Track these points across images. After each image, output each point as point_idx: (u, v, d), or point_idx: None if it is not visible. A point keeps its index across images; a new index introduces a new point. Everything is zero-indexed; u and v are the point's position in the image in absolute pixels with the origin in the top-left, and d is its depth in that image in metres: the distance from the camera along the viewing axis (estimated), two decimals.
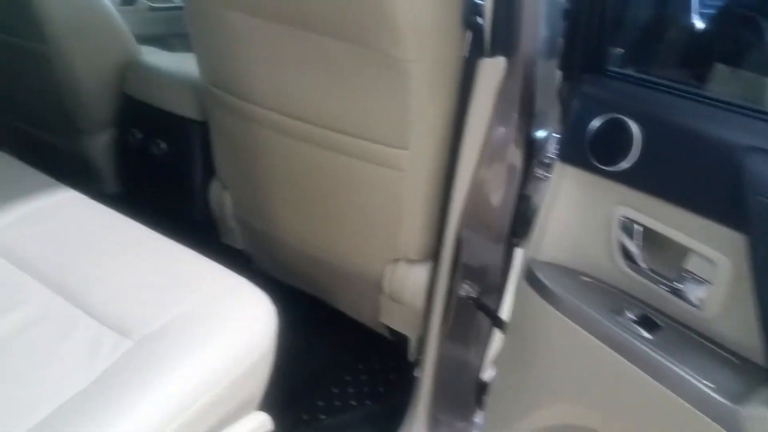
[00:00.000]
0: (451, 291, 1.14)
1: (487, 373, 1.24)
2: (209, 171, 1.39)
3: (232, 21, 1.08)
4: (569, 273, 0.87)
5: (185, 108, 1.40)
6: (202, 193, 1.43)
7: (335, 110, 1.07)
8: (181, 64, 1.46)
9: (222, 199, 1.39)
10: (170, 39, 2.03)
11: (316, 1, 0.96)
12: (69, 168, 1.69)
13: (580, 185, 0.83)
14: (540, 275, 0.88)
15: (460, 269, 1.11)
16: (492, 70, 0.92)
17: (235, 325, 0.85)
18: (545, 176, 1.00)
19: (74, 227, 1.00)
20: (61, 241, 0.97)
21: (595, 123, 0.78)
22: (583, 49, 0.83)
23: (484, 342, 1.21)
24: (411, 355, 1.36)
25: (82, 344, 0.79)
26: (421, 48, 0.93)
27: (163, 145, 1.44)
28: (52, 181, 1.10)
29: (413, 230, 1.16)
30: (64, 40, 1.38)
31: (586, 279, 0.85)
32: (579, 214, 0.85)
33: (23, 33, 1.41)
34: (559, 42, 0.88)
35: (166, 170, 1.48)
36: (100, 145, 1.56)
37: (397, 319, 1.30)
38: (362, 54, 0.97)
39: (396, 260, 1.21)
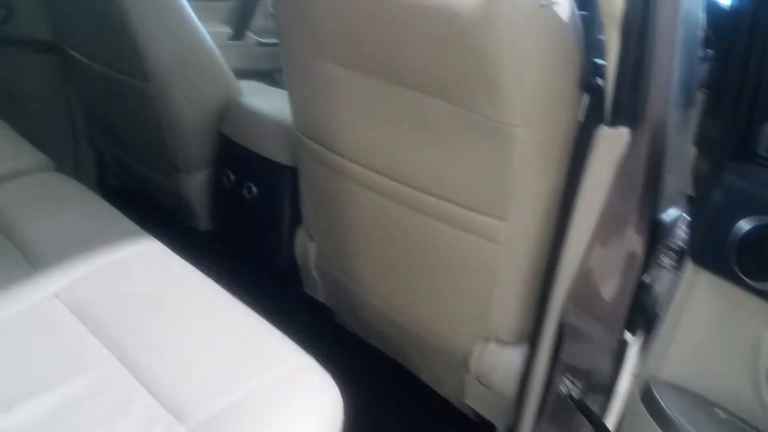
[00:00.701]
0: (549, 384, 0.99)
1: None
2: (297, 218, 1.34)
3: (325, 72, 1.01)
4: (699, 402, 0.70)
5: (277, 153, 1.37)
6: (288, 241, 1.38)
7: (428, 171, 0.97)
8: (280, 105, 1.43)
9: (307, 248, 1.33)
10: (277, 74, 2.03)
11: (413, 57, 0.87)
12: (166, 201, 1.72)
13: (720, 296, 0.67)
14: (662, 400, 0.72)
15: (561, 361, 0.96)
16: (612, 141, 0.78)
17: (298, 420, 0.76)
18: (671, 266, 0.84)
19: (150, 284, 0.97)
20: (134, 298, 0.94)
21: (743, 226, 0.62)
22: (729, 128, 0.67)
23: None
24: None
25: (136, 424, 0.74)
26: (528, 112, 0.81)
27: (255, 189, 1.41)
28: (138, 229, 1.09)
29: (507, 309, 1.03)
30: (165, 80, 1.39)
31: (722, 414, 0.68)
32: (716, 330, 0.68)
33: (128, 70, 1.43)
34: (697, 113, 0.73)
35: (255, 214, 1.45)
36: (195, 183, 1.56)
37: (483, 404, 1.16)
38: (461, 114, 0.87)
39: (486, 339, 1.08)
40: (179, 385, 0.79)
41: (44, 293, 0.94)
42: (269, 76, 1.96)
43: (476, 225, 0.95)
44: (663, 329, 0.75)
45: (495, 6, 0.76)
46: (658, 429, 0.71)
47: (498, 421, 1.15)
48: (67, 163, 1.91)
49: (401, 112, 0.95)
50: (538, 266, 0.97)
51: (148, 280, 0.99)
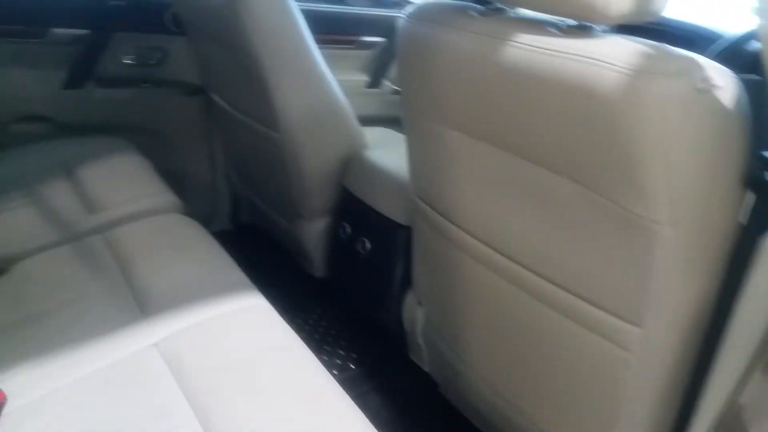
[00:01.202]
0: None
1: None
2: (408, 280, 1.28)
3: (447, 138, 0.96)
4: None
5: (394, 211, 1.33)
6: (397, 302, 1.32)
7: (551, 256, 0.87)
8: (403, 160, 1.40)
9: (414, 314, 1.26)
10: None
11: (545, 133, 0.78)
12: (287, 244, 1.75)
13: None
14: None
15: None
16: None
17: None
18: None
19: (248, 347, 0.96)
20: (230, 362, 0.93)
21: None
22: None
23: None
24: None
25: None
26: (678, 209, 0.69)
27: (369, 245, 1.38)
28: (247, 282, 1.10)
29: (635, 427, 0.89)
30: (294, 131, 1.41)
31: None
32: None
33: (262, 119, 1.48)
34: None
35: (367, 270, 1.41)
36: (313, 231, 1.57)
37: None
38: (596, 200, 0.76)
39: None
40: None
41: (145, 343, 0.96)
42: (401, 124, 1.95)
43: (604, 326, 0.83)
44: None
45: (644, 87, 0.66)
46: None
47: None
48: (206, 198, 2.02)
49: (526, 188, 0.87)
50: (675, 387, 0.82)
51: (246, 342, 0.98)
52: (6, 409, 0.88)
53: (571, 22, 0.77)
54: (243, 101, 1.57)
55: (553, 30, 0.77)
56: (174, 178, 1.86)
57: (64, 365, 0.94)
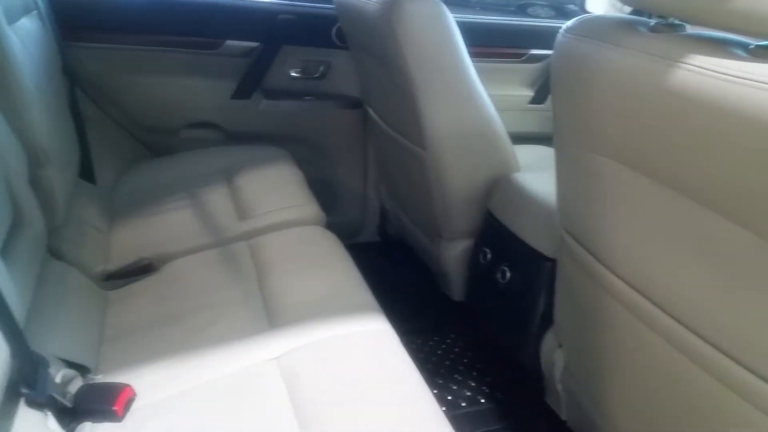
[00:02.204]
0: None
1: None
2: (549, 318, 1.17)
3: (604, 167, 0.84)
4: None
5: (539, 241, 1.21)
6: (535, 341, 1.21)
7: (719, 318, 0.72)
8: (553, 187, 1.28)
9: (553, 357, 1.15)
10: None
11: (723, 174, 0.65)
12: (428, 262, 1.70)
13: None
14: None
15: None
16: None
17: None
18: None
19: (362, 369, 0.94)
20: (341, 382, 0.91)
21: None
22: None
23: None
24: None
25: None
26: None
27: (509, 274, 1.28)
28: (373, 303, 1.07)
29: None
30: (441, 150, 1.36)
31: None
32: None
33: (411, 137, 1.45)
34: None
35: (506, 301, 1.31)
36: (453, 252, 1.50)
37: None
38: None
39: None
40: None
41: (267, 356, 0.97)
42: None
43: None
44: None
45: None
46: None
47: None
48: (356, 209, 2.06)
49: (695, 236, 0.72)
50: None
51: (362, 366, 0.96)
52: (135, 405, 0.93)
53: (763, 42, 0.63)
54: (394, 116, 1.56)
55: (738, 52, 0.64)
56: (327, 188, 1.92)
57: (192, 369, 0.98)
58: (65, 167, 1.27)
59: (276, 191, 1.52)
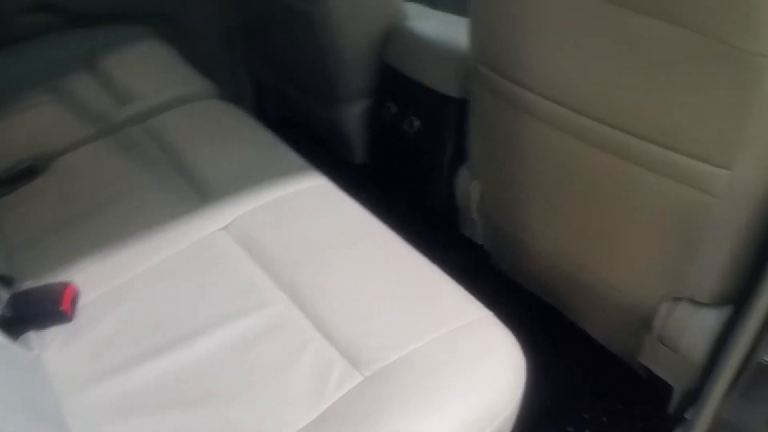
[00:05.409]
0: (752, 352, 0.88)
1: None
2: (460, 156, 1.26)
3: None
4: None
5: (445, 84, 1.27)
6: (448, 180, 1.30)
7: (638, 109, 0.85)
8: (448, 30, 1.32)
9: (469, 188, 1.25)
10: None
11: None
12: (323, 133, 1.70)
13: None
14: None
15: None
16: None
17: (481, 382, 0.71)
18: None
19: (318, 222, 0.95)
20: (305, 238, 0.92)
21: None
22: None
23: None
24: (671, 408, 1.12)
25: (311, 368, 0.73)
26: None
27: (417, 123, 1.34)
28: (305, 163, 1.07)
29: (712, 270, 0.90)
30: (331, 2, 1.31)
31: None
32: None
33: None
34: None
35: (415, 149, 1.38)
36: (353, 114, 1.51)
37: (663, 365, 1.06)
38: (695, 41, 0.73)
39: (676, 298, 0.97)
40: (355, 331, 0.77)
41: (214, 227, 0.95)
42: None
43: (689, 173, 0.83)
44: None
45: None
46: None
47: (676, 383, 1.05)
48: (225, 91, 1.93)
49: (610, 35, 0.82)
50: (762, 224, 0.83)
51: (318, 219, 0.97)
52: (81, 302, 0.87)
53: None
54: None
55: None
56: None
57: (133, 256, 0.92)
58: None
59: (153, 70, 1.39)
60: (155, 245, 0.94)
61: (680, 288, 0.95)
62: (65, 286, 0.87)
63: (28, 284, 0.90)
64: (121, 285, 0.89)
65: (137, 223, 0.98)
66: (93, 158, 1.18)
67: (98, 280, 0.90)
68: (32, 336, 0.84)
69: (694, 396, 1.00)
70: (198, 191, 1.04)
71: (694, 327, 0.95)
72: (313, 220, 0.96)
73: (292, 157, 1.11)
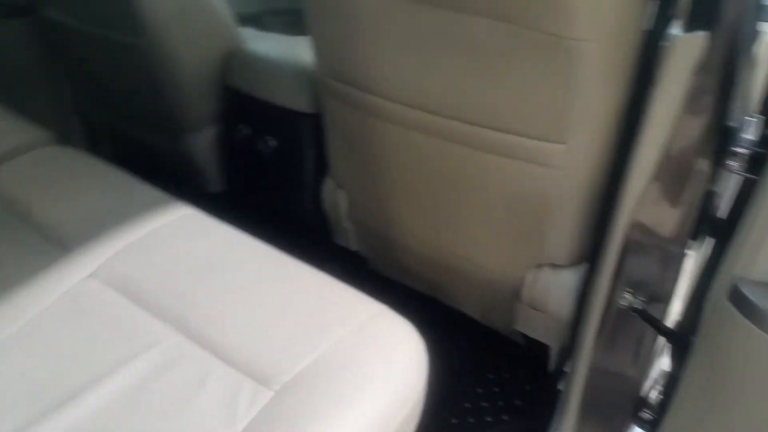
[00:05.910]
0: (610, 300, 1.00)
1: (648, 389, 1.10)
2: (322, 168, 1.29)
3: (355, 3, 0.95)
4: None
5: (295, 100, 1.29)
6: (313, 192, 1.33)
7: (477, 101, 0.93)
8: (287, 49, 1.34)
9: (336, 198, 1.28)
10: (264, 18, 1.91)
11: None
12: (169, 167, 1.63)
13: None
14: (753, 298, 0.72)
15: (623, 276, 0.96)
16: (688, 48, 0.75)
17: (385, 374, 0.74)
18: (742, 170, 0.83)
19: (193, 251, 0.92)
20: (180, 268, 0.89)
21: None
22: None
23: (646, 356, 1.06)
24: (551, 366, 1.23)
25: (219, 394, 0.71)
26: (596, 23, 0.77)
27: (272, 142, 1.34)
28: (165, 196, 1.03)
29: (563, 234, 1.02)
30: (162, 31, 1.27)
31: None
32: None
33: (119, 26, 1.31)
34: None
35: (275, 168, 1.38)
36: (202, 142, 1.48)
37: (536, 328, 1.16)
38: (515, 33, 0.82)
39: (539, 266, 1.08)
40: (255, 349, 0.76)
41: (79, 276, 0.88)
42: (258, 22, 1.83)
43: (530, 152, 0.93)
44: (750, 231, 0.74)
45: None
46: (752, 325, 0.71)
47: (552, 341, 1.16)
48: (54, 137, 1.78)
49: (447, 39, 0.90)
50: (598, 187, 0.95)
51: (192, 247, 0.93)
52: None
53: None
54: (87, 10, 1.36)
55: None
56: None
57: None
58: None
59: None
60: (20, 303, 0.85)
61: (540, 256, 1.06)
62: None
63: None
64: None
65: None
66: None
67: None
68: None
69: (569, 350, 1.11)
70: (56, 243, 0.96)
71: (558, 287, 1.06)
72: (187, 249, 0.92)
73: (152, 191, 1.06)
